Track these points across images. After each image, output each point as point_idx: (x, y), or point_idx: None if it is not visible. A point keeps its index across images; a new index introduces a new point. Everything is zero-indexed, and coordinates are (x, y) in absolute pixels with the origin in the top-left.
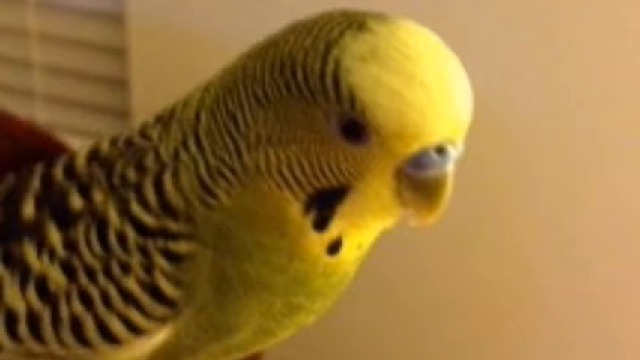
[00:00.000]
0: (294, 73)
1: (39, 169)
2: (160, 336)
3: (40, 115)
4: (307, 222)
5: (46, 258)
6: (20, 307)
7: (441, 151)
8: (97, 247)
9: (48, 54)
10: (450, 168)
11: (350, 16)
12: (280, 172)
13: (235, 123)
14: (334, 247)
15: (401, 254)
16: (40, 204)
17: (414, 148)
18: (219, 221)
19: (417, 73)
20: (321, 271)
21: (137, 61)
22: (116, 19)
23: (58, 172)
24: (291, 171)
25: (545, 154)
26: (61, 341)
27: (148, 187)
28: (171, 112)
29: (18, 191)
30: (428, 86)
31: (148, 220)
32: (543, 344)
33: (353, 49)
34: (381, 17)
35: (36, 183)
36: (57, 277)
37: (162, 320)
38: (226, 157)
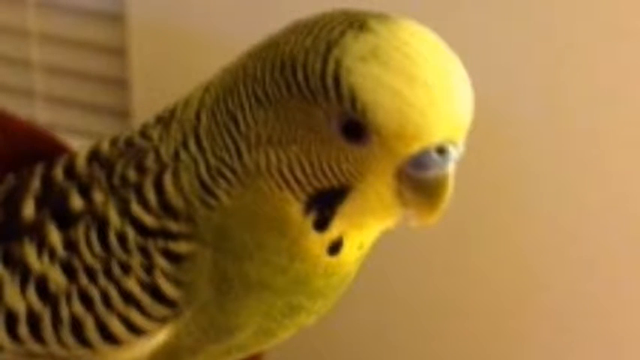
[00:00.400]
0: (294, 73)
1: (39, 170)
2: (160, 337)
3: (40, 115)
4: (308, 222)
5: (46, 258)
6: (20, 307)
7: (441, 151)
8: (97, 247)
9: (48, 54)
10: (451, 168)
11: (351, 16)
12: (281, 173)
13: (236, 123)
14: (335, 248)
15: (401, 255)
16: (40, 204)
17: (415, 148)
18: (219, 221)
19: (417, 73)
20: (322, 272)
21: (137, 61)
22: (116, 19)
23: (58, 173)
24: (292, 171)
25: (545, 155)
26: (61, 342)
27: (149, 187)
28: (172, 112)
29: (18, 191)
30: (429, 86)
31: (148, 220)
32: (544, 344)
33: (354, 49)
34: (381, 17)
35: (36, 183)
36: (57, 278)
37: (163, 321)
38: (227, 158)
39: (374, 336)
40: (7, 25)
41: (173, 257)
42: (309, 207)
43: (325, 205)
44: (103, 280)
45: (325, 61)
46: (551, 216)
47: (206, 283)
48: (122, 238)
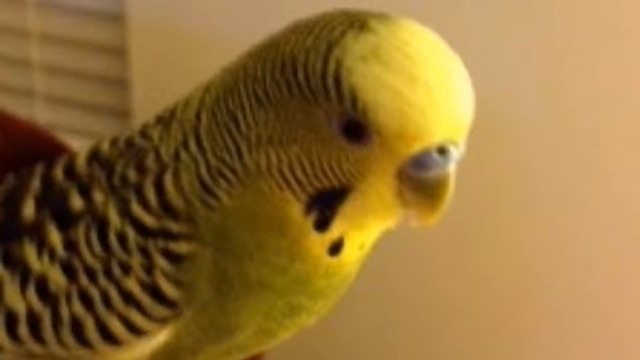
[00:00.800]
0: (295, 73)
1: (39, 170)
2: (160, 337)
3: (40, 115)
4: (308, 222)
5: (46, 259)
6: (20, 307)
7: (442, 151)
8: (97, 247)
9: (48, 54)
10: (452, 168)
11: (351, 15)
12: (281, 173)
13: (236, 123)
14: (335, 248)
15: (402, 255)
16: (40, 204)
17: (416, 148)
18: (220, 222)
19: (418, 73)
20: (323, 272)
21: (137, 61)
22: (116, 19)
23: (58, 173)
24: (292, 171)
25: (545, 155)
26: (61, 342)
27: (149, 187)
28: (172, 112)
29: (18, 192)
30: (429, 86)
31: (148, 220)
32: (544, 344)
33: (354, 49)
34: (382, 17)
35: (36, 183)
36: (57, 278)
37: (163, 321)
38: (227, 158)
39: (374, 336)
40: (7, 25)
41: (173, 257)
42: (309, 207)
43: (326, 205)
44: (103, 281)
45: (326, 61)
46: (551, 216)
47: (206, 283)
48: (122, 239)
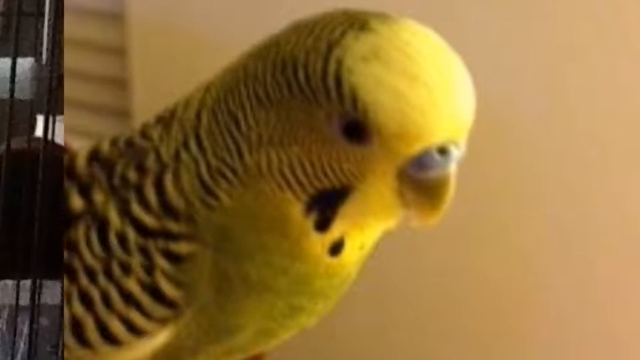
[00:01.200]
0: (295, 73)
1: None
2: (160, 337)
3: None
4: (309, 223)
5: None
6: None
7: (443, 151)
8: (97, 247)
9: None
10: (453, 168)
11: (352, 15)
12: (282, 173)
13: (237, 123)
14: (336, 248)
15: (403, 255)
16: None
17: (416, 148)
18: (220, 222)
19: (419, 74)
20: (323, 272)
21: (137, 61)
22: (116, 19)
23: None
24: (293, 171)
25: (547, 155)
26: None
27: (149, 187)
28: (172, 112)
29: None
30: (430, 86)
31: (148, 220)
32: (544, 344)
33: (355, 49)
34: (383, 17)
35: None
36: None
37: (163, 321)
38: (227, 158)
39: (375, 337)
40: None
41: (173, 258)
42: (310, 207)
43: (326, 205)
44: (103, 281)
45: (326, 61)
46: (552, 216)
47: (206, 283)
48: (122, 239)
